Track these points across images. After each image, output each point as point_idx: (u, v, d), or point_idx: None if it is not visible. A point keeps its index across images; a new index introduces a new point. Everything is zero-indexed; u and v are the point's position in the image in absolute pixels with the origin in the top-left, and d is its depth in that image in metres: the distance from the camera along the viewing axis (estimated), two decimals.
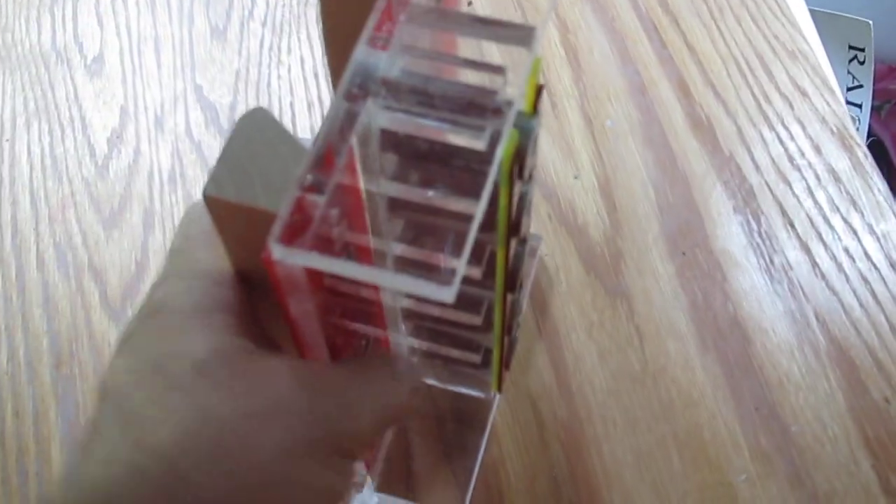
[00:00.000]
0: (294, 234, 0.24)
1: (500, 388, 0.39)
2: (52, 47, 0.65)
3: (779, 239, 0.53)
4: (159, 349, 0.27)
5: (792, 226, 0.53)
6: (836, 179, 0.55)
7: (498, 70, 0.27)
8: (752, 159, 0.56)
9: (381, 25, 0.27)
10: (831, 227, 0.53)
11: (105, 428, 0.26)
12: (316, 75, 0.63)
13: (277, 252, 0.24)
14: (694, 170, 0.56)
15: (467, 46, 0.29)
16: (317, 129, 0.25)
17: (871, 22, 1.10)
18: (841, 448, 0.46)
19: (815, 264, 0.52)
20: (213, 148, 0.60)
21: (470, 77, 0.26)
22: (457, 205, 0.26)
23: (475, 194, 0.25)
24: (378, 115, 0.26)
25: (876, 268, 0.52)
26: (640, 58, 0.61)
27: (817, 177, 0.55)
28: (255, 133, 0.27)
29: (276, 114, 0.61)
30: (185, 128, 0.61)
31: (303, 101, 0.62)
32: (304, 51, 0.64)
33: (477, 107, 0.25)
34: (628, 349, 0.50)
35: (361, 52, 0.26)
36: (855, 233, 0.53)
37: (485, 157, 0.25)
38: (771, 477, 0.45)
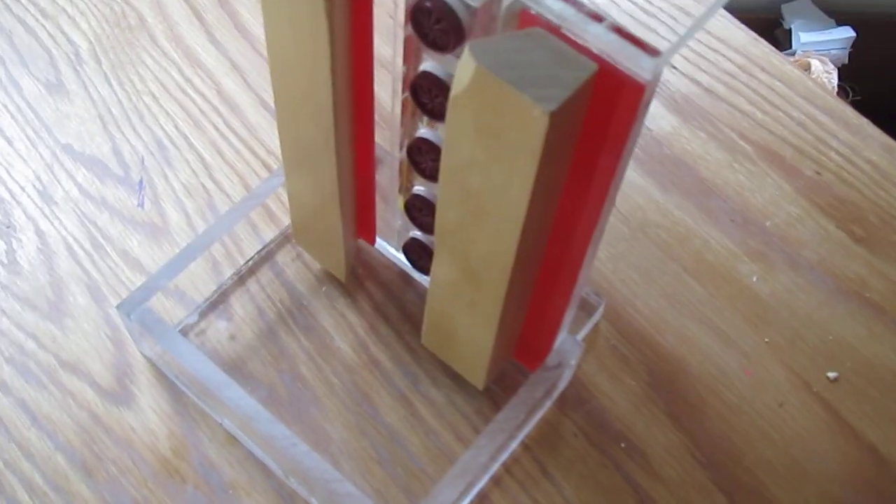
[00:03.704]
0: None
1: None
2: None
3: None
4: None
5: None
6: None
7: None
8: None
9: None
10: None
11: None
12: (182, 84, 0.57)
13: (647, 67, 0.27)
14: None
15: None
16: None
17: None
18: None
19: None
20: (122, 199, 0.53)
21: None
22: None
23: None
24: None
25: None
26: None
27: None
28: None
29: (169, 130, 0.55)
30: (79, 189, 0.53)
31: (185, 117, 0.56)
32: (154, 69, 0.58)
33: None
34: None
35: None
36: None
37: None
38: None
